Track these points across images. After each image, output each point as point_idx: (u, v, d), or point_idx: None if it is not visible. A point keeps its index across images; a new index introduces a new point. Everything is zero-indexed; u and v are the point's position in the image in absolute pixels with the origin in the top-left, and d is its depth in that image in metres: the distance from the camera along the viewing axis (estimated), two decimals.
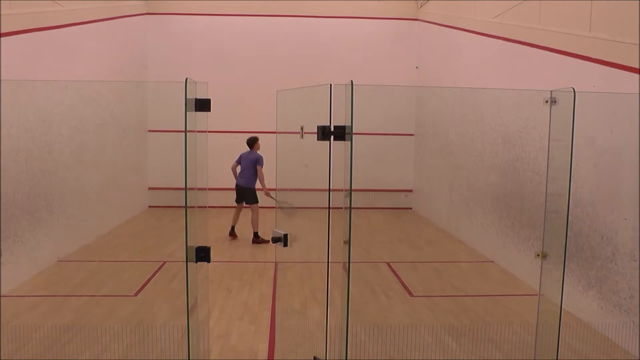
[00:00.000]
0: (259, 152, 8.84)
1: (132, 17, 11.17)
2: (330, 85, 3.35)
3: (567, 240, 3.76)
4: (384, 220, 9.67)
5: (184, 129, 3.20)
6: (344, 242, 3.46)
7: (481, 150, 8.19)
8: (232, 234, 8.99)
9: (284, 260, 4.86)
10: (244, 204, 8.86)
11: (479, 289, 6.52)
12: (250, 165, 8.74)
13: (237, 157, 8.99)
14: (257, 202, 8.77)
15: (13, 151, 6.12)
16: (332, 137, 3.48)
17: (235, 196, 8.92)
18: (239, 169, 8.94)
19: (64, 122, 7.58)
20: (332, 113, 3.43)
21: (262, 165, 8.68)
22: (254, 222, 8.75)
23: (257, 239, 8.75)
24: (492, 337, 4.85)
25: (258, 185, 8.77)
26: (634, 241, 4.56)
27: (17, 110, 6.21)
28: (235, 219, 9.00)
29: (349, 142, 3.44)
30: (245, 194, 8.76)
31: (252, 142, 8.89)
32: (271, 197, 8.18)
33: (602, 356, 4.58)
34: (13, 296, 5.82)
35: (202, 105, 3.35)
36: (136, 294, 6.03)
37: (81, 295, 5.94)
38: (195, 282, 3.48)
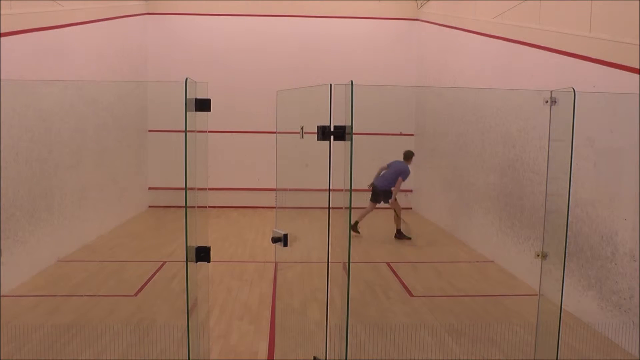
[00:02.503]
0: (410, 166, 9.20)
1: (132, 17, 11.17)
2: (330, 85, 3.34)
3: (567, 240, 3.76)
4: (384, 220, 9.67)
5: (184, 129, 3.20)
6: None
7: (481, 150, 8.19)
8: (355, 229, 9.02)
9: (284, 260, 4.86)
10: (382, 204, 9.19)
11: (478, 289, 6.52)
12: (394, 173, 9.07)
13: (386, 162, 9.34)
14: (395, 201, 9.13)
15: (13, 151, 6.12)
16: (332, 137, 3.48)
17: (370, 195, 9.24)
18: (383, 172, 9.27)
19: (64, 122, 7.58)
20: (332, 113, 3.43)
21: (404, 178, 9.05)
22: (397, 220, 9.09)
23: (399, 235, 9.08)
24: (492, 337, 4.85)
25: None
26: (634, 241, 4.57)
27: (17, 110, 6.22)
28: (362, 215, 9.16)
29: (349, 142, 3.44)
30: (381, 195, 9.12)
31: (408, 156, 9.30)
32: (396, 213, 8.96)
33: (602, 356, 4.58)
34: (13, 296, 5.82)
35: (202, 105, 3.34)
36: (136, 294, 6.03)
37: (81, 295, 5.94)
38: (195, 282, 3.48)
